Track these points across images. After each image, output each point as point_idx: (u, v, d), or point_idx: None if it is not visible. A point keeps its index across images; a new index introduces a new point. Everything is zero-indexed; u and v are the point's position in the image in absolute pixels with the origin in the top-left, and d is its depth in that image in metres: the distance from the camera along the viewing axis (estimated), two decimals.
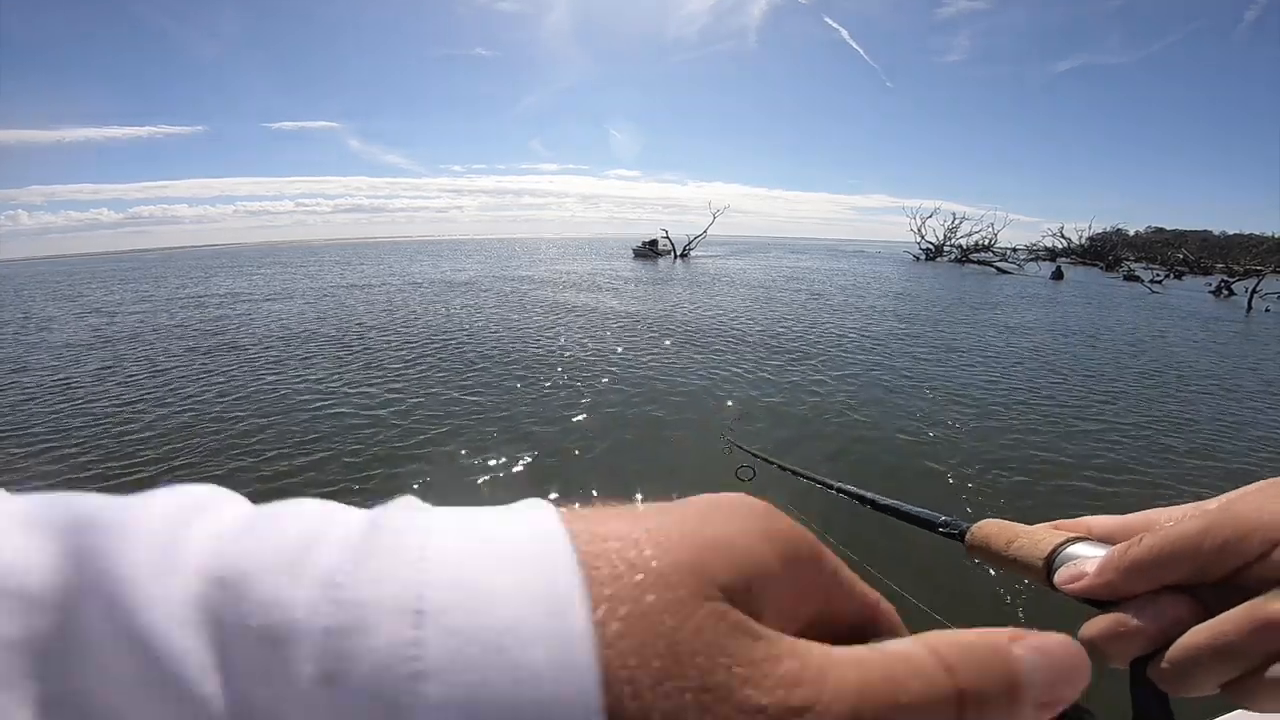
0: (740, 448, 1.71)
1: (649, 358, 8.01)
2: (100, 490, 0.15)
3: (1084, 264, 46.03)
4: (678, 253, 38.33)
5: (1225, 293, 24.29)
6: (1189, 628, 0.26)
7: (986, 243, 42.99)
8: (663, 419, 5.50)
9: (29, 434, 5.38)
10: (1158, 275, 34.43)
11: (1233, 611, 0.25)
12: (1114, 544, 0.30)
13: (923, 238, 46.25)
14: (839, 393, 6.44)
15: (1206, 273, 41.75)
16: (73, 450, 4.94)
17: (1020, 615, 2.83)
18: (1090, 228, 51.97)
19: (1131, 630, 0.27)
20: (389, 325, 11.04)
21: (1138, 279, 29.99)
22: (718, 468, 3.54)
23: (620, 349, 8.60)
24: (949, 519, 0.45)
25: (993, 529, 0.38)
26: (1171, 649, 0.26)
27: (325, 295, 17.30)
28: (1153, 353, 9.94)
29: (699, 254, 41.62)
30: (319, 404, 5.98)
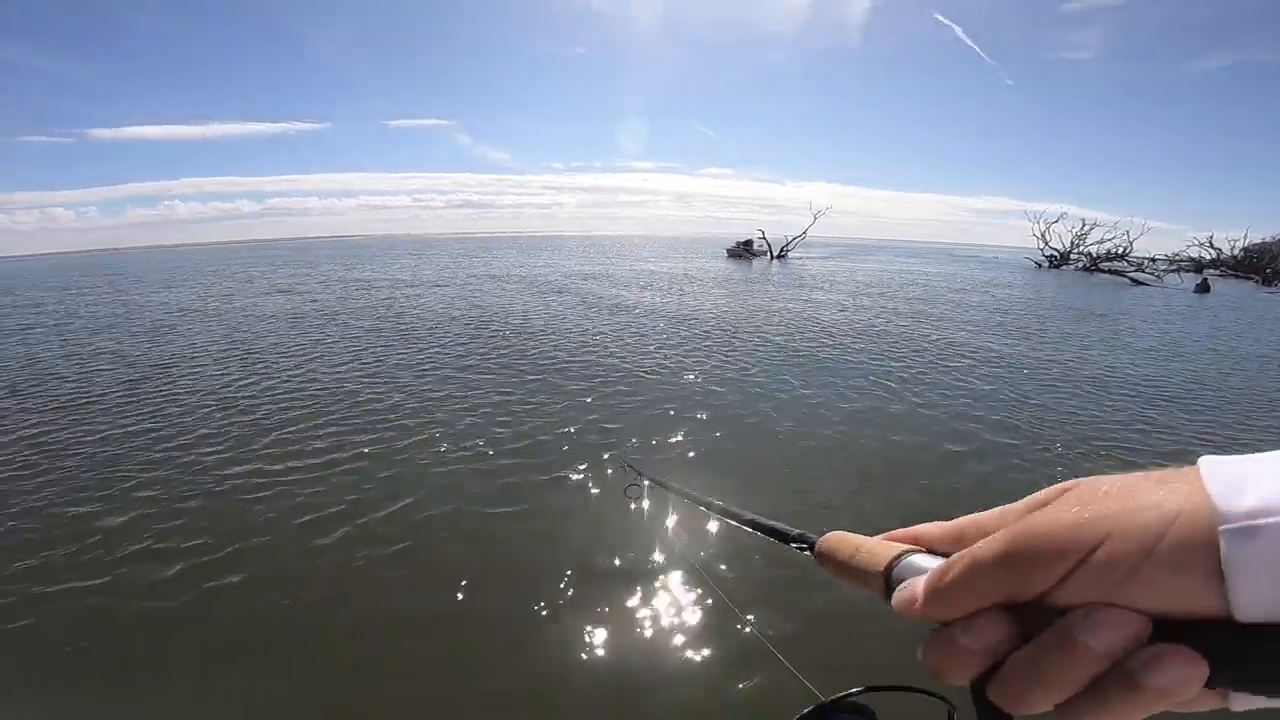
0: (630, 468, 1.91)
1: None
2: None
3: (1236, 277, 40.84)
4: (774, 253, 38.34)
5: None
6: (1016, 647, 0.26)
7: (1120, 251, 39.28)
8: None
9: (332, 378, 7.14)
10: None
11: (1045, 636, 0.25)
12: (944, 553, 0.31)
13: (1046, 243, 43.09)
14: (942, 441, 5.08)
15: None
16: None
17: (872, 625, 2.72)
18: (1245, 237, 45.77)
19: (958, 652, 0.27)
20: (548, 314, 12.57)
21: None
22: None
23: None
24: (800, 532, 0.47)
25: (836, 541, 0.39)
26: (999, 672, 0.26)
27: (475, 283, 19.52)
28: None
29: (798, 255, 41.29)
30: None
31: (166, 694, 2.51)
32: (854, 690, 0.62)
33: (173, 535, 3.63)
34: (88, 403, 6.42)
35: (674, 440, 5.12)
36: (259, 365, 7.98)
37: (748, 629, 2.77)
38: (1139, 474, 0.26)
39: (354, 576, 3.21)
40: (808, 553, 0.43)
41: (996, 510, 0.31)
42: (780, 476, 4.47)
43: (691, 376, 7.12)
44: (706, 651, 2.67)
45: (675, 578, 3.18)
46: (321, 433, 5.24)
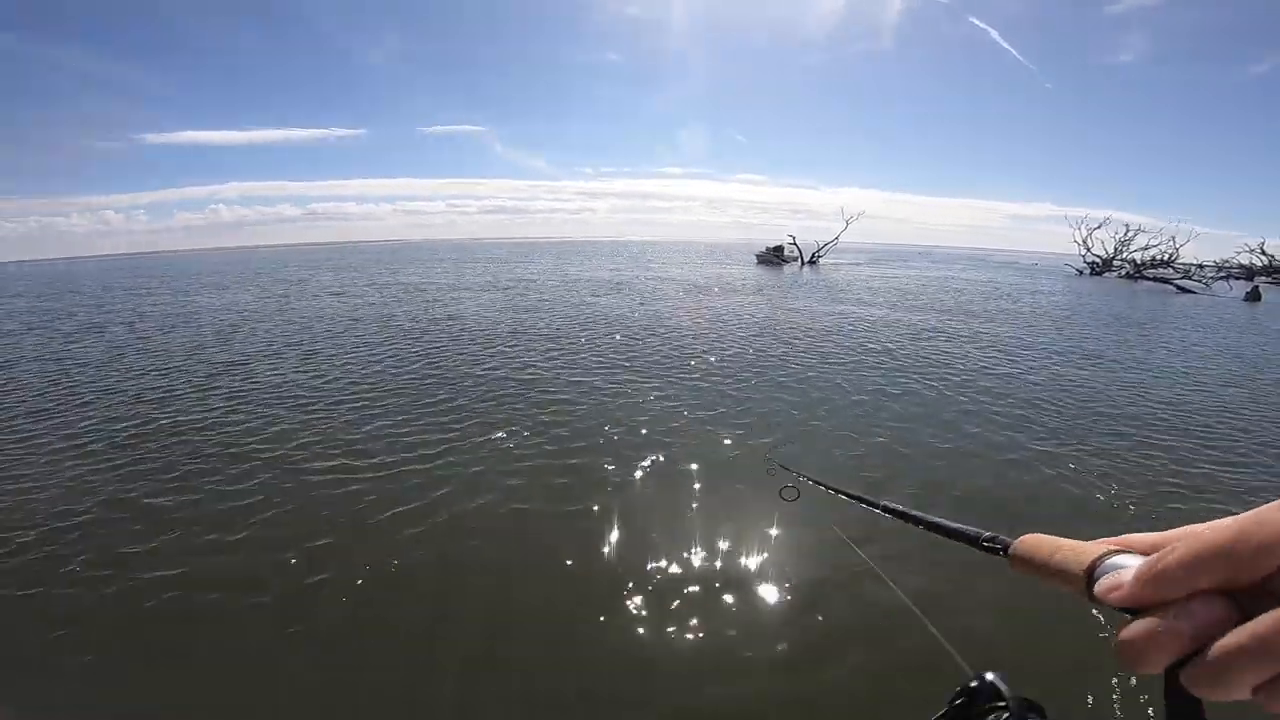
0: (783, 468, 1.84)
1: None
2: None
3: None
4: (805, 259, 38.12)
5: None
6: (1224, 631, 0.26)
7: (1165, 258, 38.04)
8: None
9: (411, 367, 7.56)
10: None
11: (1269, 614, 0.25)
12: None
13: (1088, 250, 41.95)
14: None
15: None
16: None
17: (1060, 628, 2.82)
18: None
19: (1165, 634, 0.27)
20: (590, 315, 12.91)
21: None
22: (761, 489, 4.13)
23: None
24: (992, 534, 0.47)
25: (1036, 542, 0.40)
26: (1210, 650, 0.26)
27: (522, 284, 20.03)
28: None
29: (830, 261, 40.98)
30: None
31: (265, 682, 2.61)
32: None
33: (259, 528, 3.83)
34: (166, 397, 6.93)
35: (818, 443, 5.31)
36: (340, 362, 8.50)
37: (929, 631, 2.75)
38: None
39: (455, 570, 3.35)
40: (1001, 555, 0.44)
41: (1231, 518, 0.31)
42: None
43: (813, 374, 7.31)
44: (887, 655, 2.70)
45: (844, 581, 3.19)
46: (400, 429, 5.58)
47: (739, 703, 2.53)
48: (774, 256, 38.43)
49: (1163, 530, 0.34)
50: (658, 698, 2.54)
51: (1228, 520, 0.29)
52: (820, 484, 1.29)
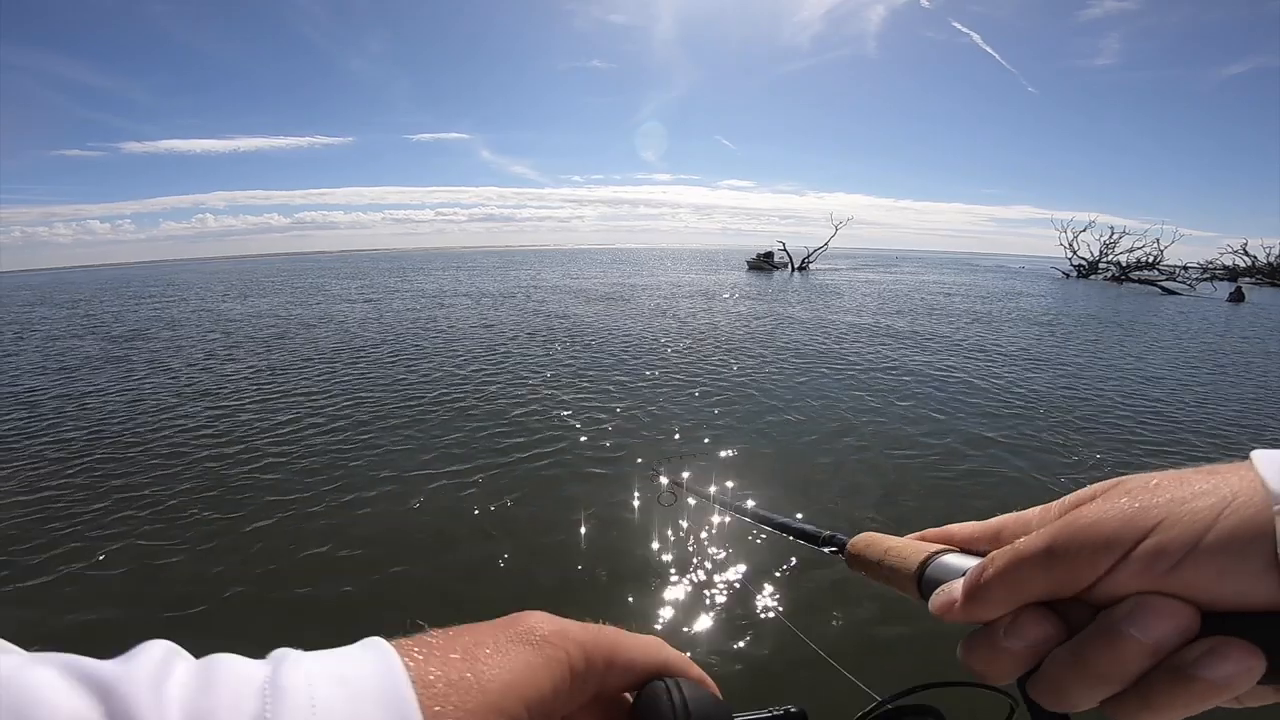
0: (662, 474, 1.92)
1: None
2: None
3: (1271, 284, 39.74)
4: (795, 265, 38.36)
5: None
6: (1058, 644, 0.25)
7: (1150, 259, 38.48)
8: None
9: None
10: None
11: (1088, 631, 0.24)
12: (979, 552, 0.31)
13: (1074, 253, 42.40)
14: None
15: None
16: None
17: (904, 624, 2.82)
18: None
19: (1002, 652, 0.26)
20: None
21: None
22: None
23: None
24: (832, 534, 0.46)
25: (868, 541, 0.39)
26: (1041, 669, 0.26)
27: (539, 291, 20.05)
28: None
29: (820, 267, 41.25)
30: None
31: None
32: (915, 687, 0.51)
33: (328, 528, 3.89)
34: (230, 393, 6.90)
35: (709, 445, 5.28)
36: (369, 364, 8.54)
37: (791, 632, 2.80)
38: (1189, 468, 0.25)
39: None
40: (840, 555, 0.43)
41: (1037, 509, 0.31)
42: (815, 482, 4.56)
43: (723, 380, 7.31)
44: (748, 655, 2.71)
45: (709, 582, 3.23)
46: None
47: None
48: (764, 263, 38.71)
49: (979, 522, 0.34)
50: None
51: (1040, 518, 0.30)
52: (693, 490, 1.44)
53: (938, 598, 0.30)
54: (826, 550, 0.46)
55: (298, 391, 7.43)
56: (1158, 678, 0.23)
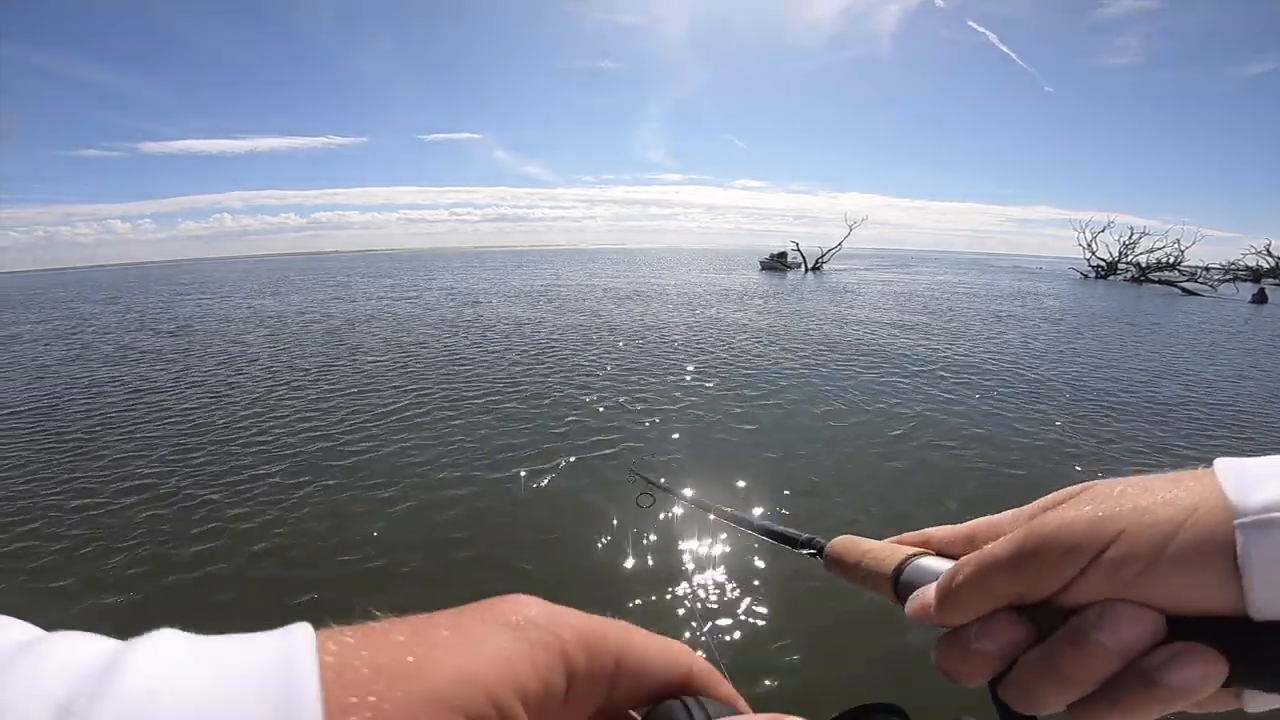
0: (640, 476, 1.80)
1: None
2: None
3: None
4: (808, 266, 38.21)
5: None
6: (1028, 647, 0.26)
7: (1171, 260, 38.03)
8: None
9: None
10: None
11: (1057, 636, 0.24)
12: (953, 555, 0.32)
13: (1093, 253, 42.03)
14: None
15: None
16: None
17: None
18: None
19: (973, 655, 0.27)
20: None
21: None
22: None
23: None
24: (810, 537, 0.46)
25: (846, 545, 0.39)
26: (1011, 672, 0.26)
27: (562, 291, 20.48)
28: None
29: (834, 267, 41.18)
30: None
31: None
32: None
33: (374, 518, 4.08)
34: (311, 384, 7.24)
35: (696, 446, 5.32)
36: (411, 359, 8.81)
37: (772, 634, 2.78)
38: (1154, 475, 0.25)
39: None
40: (817, 558, 0.43)
41: (1009, 512, 0.31)
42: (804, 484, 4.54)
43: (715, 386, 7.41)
44: (733, 658, 2.67)
45: (681, 585, 3.23)
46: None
47: None
48: (778, 263, 38.56)
49: (955, 526, 0.34)
50: None
51: (1010, 523, 0.30)
52: (670, 491, 1.37)
53: (912, 603, 0.31)
54: (805, 553, 0.46)
55: (388, 386, 7.76)
56: (1125, 681, 0.23)
